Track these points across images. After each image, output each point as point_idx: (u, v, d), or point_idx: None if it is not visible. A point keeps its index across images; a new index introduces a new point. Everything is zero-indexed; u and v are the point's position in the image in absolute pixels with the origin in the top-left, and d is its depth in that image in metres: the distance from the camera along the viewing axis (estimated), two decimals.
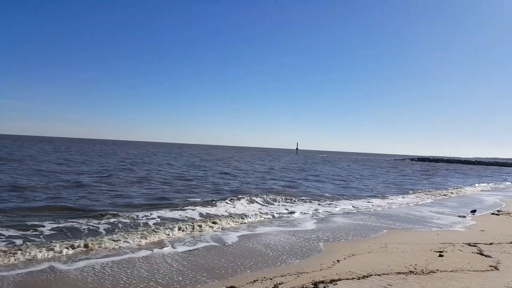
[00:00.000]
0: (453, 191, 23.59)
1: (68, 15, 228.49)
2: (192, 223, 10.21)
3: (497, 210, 14.48)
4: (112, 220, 10.27)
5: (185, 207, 12.68)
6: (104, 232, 9.06)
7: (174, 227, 9.58)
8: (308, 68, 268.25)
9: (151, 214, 11.35)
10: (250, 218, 11.53)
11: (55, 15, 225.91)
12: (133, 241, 8.17)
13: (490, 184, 32.50)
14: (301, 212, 13.10)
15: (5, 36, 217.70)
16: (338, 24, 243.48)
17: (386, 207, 15.29)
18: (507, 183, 35.00)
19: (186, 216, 11.42)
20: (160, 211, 11.84)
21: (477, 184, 30.99)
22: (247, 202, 14.65)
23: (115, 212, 11.16)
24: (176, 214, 11.66)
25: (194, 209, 12.46)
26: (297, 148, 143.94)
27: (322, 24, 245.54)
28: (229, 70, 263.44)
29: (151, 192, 16.54)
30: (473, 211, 14.23)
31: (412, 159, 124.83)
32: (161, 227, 9.56)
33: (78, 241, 7.74)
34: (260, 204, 14.71)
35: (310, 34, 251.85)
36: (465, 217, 13.04)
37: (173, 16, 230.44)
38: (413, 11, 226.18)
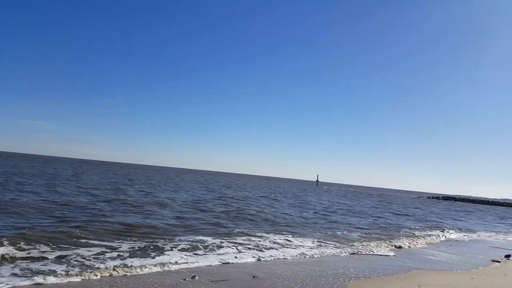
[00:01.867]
0: (480, 233, 22.77)
1: (98, 41, 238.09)
2: None
3: None
4: None
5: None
6: None
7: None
8: (331, 99, 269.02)
9: None
10: None
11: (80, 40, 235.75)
12: None
13: None
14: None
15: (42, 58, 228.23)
16: (360, 56, 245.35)
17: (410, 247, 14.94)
18: None
19: None
20: None
21: (508, 226, 29.77)
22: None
23: None
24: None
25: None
26: (317, 180, 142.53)
27: (343, 56, 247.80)
28: (250, 98, 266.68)
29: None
30: (508, 256, 13.71)
31: (437, 198, 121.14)
32: None
33: None
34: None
35: (332, 68, 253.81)
36: (499, 262, 12.59)
37: (194, 42, 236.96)
38: (435, 41, 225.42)
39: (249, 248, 11.55)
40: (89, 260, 8.62)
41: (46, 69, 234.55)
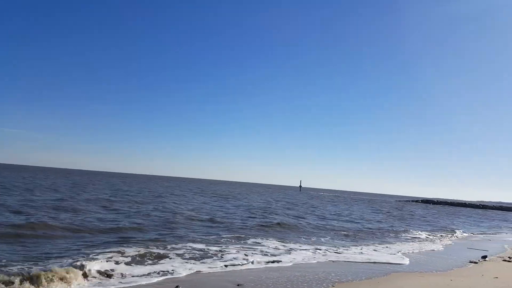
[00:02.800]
0: (458, 234, 23.40)
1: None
2: None
3: (509, 257, 14.32)
4: None
5: None
6: None
7: None
8: (316, 106, 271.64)
9: None
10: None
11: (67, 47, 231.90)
12: None
13: (495, 228, 32.14)
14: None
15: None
16: (349, 65, 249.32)
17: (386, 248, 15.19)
18: (509, 228, 34.58)
19: None
20: None
21: (483, 228, 30.65)
22: None
23: None
24: None
25: None
26: (300, 186, 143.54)
27: (332, 65, 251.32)
28: (231, 104, 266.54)
29: None
30: (484, 257, 14.10)
31: (416, 201, 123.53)
32: None
33: None
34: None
35: (323, 76, 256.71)
36: (476, 263, 12.93)
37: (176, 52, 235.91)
38: (421, 43, 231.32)
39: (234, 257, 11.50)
40: None
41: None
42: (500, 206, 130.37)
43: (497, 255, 14.97)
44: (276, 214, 28.00)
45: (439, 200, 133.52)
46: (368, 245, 16.25)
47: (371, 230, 22.58)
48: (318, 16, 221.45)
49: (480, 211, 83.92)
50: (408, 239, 19.85)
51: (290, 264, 11.25)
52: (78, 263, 8.68)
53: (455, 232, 25.02)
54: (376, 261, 12.48)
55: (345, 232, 20.15)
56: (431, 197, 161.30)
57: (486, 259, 13.82)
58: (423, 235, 22.00)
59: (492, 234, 26.90)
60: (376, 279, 9.77)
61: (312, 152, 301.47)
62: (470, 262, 13.12)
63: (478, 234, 26.05)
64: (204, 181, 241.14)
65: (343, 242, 16.68)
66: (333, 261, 12.09)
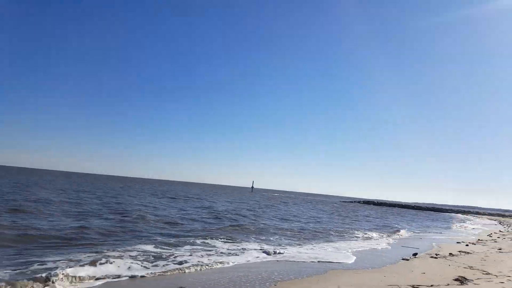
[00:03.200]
0: (395, 234, 24.95)
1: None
2: None
3: (436, 254, 15.56)
4: None
5: None
6: None
7: None
8: (266, 108, 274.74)
9: None
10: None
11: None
12: None
13: (429, 228, 34.67)
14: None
15: None
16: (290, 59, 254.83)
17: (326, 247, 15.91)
18: (438, 227, 37.48)
19: None
20: None
21: (418, 227, 32.91)
22: None
23: None
24: None
25: None
26: (252, 187, 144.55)
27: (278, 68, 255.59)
28: (170, 103, 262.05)
29: None
30: (415, 254, 15.20)
31: (359, 202, 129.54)
32: None
33: None
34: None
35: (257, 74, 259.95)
36: (408, 260, 13.91)
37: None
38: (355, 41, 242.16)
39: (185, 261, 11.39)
40: None
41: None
42: (432, 207, 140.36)
43: (426, 252, 16.19)
44: (228, 215, 28.05)
45: (379, 201, 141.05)
46: (313, 244, 16.87)
47: (317, 229, 23.39)
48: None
49: (414, 211, 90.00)
50: (352, 238, 20.84)
51: (234, 264, 11.39)
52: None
53: (395, 232, 26.65)
54: (320, 259, 13.00)
55: (292, 232, 20.72)
56: (372, 198, 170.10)
57: (417, 256, 14.90)
58: (367, 234, 23.19)
59: (423, 233, 28.95)
60: (316, 276, 10.20)
61: (264, 153, 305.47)
62: (403, 259, 14.07)
63: (416, 233, 27.92)
64: (153, 181, 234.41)
65: (290, 241, 17.14)
66: (277, 261, 12.41)
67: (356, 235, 22.29)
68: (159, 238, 14.68)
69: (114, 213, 22.73)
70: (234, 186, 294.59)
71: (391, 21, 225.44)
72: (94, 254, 10.70)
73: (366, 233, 23.66)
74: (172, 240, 14.37)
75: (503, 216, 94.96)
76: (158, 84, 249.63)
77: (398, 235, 24.93)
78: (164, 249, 12.60)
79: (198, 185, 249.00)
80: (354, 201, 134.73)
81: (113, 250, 11.52)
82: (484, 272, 11.41)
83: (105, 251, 11.38)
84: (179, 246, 13.30)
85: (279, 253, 13.69)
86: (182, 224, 20.29)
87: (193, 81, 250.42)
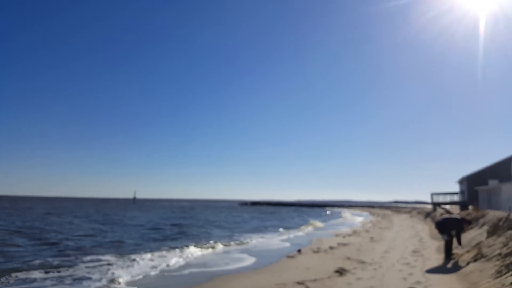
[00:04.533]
0: (287, 232, 25.84)
1: None
2: None
3: (317, 248, 16.28)
4: None
5: None
6: None
7: None
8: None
9: None
10: None
11: None
12: None
13: (310, 223, 37.05)
14: None
15: None
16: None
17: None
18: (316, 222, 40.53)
19: None
20: None
21: (301, 225, 34.83)
22: None
23: None
24: None
25: None
26: (134, 197, 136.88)
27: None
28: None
29: None
30: (299, 250, 15.64)
31: (244, 204, 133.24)
32: None
33: None
34: None
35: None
36: (293, 257, 14.16)
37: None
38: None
39: None
40: None
41: None
42: (311, 203, 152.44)
43: (309, 247, 16.86)
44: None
45: (265, 202, 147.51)
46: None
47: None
48: None
49: (293, 208, 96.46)
50: (237, 240, 20.64)
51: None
52: None
53: (280, 230, 27.54)
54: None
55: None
56: (256, 199, 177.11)
57: (300, 252, 15.33)
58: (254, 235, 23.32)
59: (309, 230, 30.72)
60: (200, 285, 9.48)
61: (146, 159, 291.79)
62: (288, 256, 14.28)
63: (292, 229, 29.33)
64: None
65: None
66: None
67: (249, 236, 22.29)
68: None
69: None
70: (112, 198, 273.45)
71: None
72: None
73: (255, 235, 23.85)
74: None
75: (373, 207, 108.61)
76: None
77: (281, 232, 25.82)
78: None
79: (70, 199, 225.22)
80: (240, 203, 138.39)
81: None
82: (360, 261, 12.18)
83: None
84: None
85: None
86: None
87: None
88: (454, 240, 12.09)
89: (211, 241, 19.32)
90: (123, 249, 16.35)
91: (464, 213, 23.17)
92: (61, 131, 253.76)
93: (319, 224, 36.62)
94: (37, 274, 10.67)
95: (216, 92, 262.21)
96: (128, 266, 11.87)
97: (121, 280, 10.06)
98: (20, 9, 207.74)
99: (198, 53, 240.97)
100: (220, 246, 17.73)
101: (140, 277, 10.74)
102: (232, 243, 19.12)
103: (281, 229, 28.77)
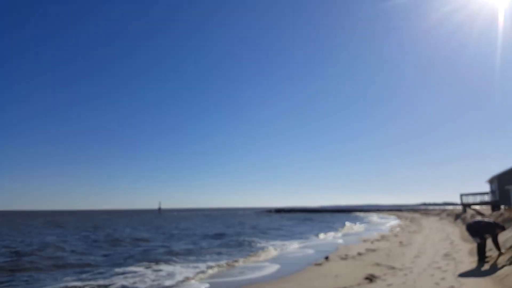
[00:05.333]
0: (309, 239, 25.66)
1: None
2: None
3: (345, 254, 16.10)
4: None
5: None
6: None
7: None
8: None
9: None
10: None
11: None
12: None
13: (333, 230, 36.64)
14: None
15: None
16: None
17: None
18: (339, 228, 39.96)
19: None
20: None
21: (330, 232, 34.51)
22: None
23: None
24: None
25: None
26: (159, 208, 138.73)
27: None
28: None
29: None
30: (327, 257, 15.50)
31: (269, 211, 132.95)
32: None
33: None
34: None
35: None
36: (320, 264, 14.07)
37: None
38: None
39: None
40: None
41: None
42: (337, 208, 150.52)
43: (336, 254, 16.68)
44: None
45: (289, 208, 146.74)
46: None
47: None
48: None
49: (319, 214, 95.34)
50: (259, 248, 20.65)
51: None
52: None
53: (309, 237, 27.37)
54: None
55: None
56: (282, 206, 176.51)
57: (328, 259, 15.20)
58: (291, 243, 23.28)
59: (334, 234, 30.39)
60: None
61: (171, 170, 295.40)
62: (316, 264, 14.19)
63: (331, 235, 29.06)
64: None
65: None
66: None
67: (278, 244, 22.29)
68: None
69: None
70: (137, 210, 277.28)
71: None
72: None
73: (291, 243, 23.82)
74: None
75: (400, 211, 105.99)
76: None
77: (309, 240, 25.63)
78: None
79: (104, 212, 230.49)
80: (267, 211, 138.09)
81: None
82: (390, 267, 11.98)
83: None
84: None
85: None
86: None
87: None
88: (488, 242, 11.73)
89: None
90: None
91: (496, 213, 22.41)
92: (82, 146, 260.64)
93: (351, 228, 36.03)
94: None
95: (230, 96, 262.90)
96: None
97: None
98: (19, 7, 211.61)
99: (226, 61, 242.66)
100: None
101: None
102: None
103: (314, 235, 28.59)
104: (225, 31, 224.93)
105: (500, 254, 11.05)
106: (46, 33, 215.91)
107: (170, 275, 12.87)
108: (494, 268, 9.99)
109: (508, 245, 12.16)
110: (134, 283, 11.76)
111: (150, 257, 17.23)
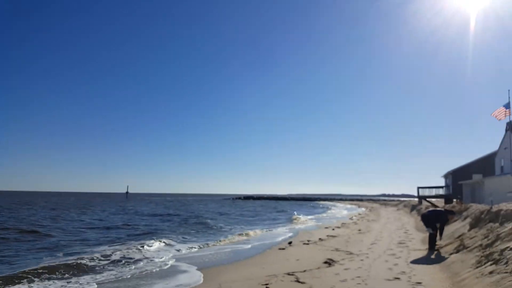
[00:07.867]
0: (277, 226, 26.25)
1: None
2: None
3: (308, 240, 16.71)
4: None
5: None
6: None
7: None
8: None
9: None
10: None
11: None
12: None
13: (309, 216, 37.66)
14: None
15: None
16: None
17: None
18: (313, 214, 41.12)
19: None
20: None
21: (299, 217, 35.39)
22: None
23: None
24: None
25: None
26: (127, 192, 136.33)
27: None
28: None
29: None
30: (290, 243, 16.04)
31: (239, 198, 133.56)
32: None
33: None
34: None
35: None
36: (284, 249, 14.56)
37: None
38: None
39: None
40: None
41: None
42: (303, 197, 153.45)
43: (300, 240, 17.29)
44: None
45: (258, 196, 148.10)
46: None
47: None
48: None
49: (287, 202, 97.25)
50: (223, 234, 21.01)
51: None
52: None
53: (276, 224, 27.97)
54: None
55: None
56: (251, 193, 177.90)
57: (291, 244, 15.74)
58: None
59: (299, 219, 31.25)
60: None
61: (139, 155, 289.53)
62: (279, 248, 14.67)
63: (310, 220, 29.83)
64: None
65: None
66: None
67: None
68: None
69: None
70: (108, 193, 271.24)
71: None
72: None
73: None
74: None
75: (361, 200, 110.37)
76: None
77: (277, 226, 26.26)
78: None
79: (73, 194, 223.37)
80: (234, 198, 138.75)
81: None
82: (348, 252, 12.63)
83: None
84: None
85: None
86: None
87: None
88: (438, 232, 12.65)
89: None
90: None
91: (448, 206, 23.88)
92: (56, 131, 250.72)
93: (310, 216, 37.17)
94: None
95: (207, 88, 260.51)
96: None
97: None
98: (24, 13, 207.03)
99: (192, 51, 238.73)
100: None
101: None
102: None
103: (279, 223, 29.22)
104: (224, 30, 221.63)
105: (439, 240, 12.61)
106: (40, 30, 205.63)
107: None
108: (442, 256, 10.81)
109: (456, 235, 13.14)
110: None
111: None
